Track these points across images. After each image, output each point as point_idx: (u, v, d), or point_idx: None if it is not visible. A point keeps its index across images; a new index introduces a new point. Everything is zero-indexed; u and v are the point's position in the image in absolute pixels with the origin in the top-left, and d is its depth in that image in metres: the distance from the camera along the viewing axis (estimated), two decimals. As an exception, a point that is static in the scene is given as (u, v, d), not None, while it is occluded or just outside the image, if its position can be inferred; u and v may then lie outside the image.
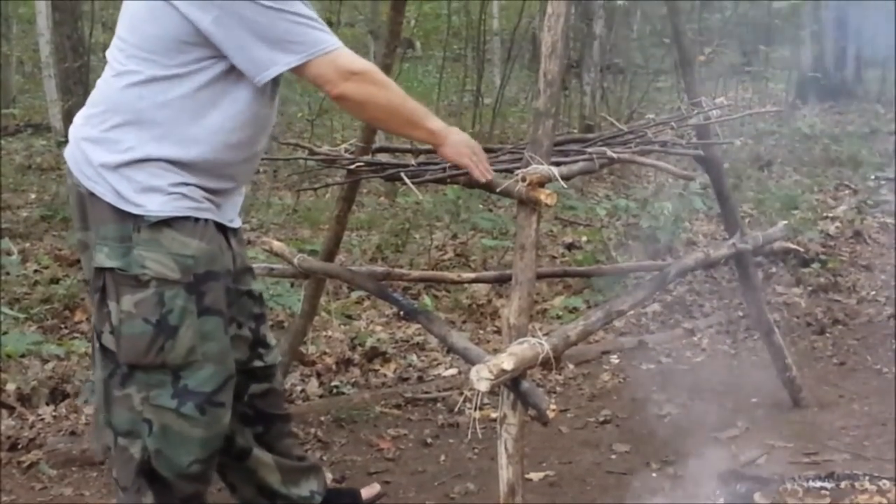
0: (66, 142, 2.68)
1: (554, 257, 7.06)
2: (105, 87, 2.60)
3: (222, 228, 2.69)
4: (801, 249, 6.20)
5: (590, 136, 3.90)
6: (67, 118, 10.36)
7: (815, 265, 6.58)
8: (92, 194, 2.55)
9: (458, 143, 2.80)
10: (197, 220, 2.57)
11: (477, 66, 11.75)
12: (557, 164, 2.94)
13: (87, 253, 2.63)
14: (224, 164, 2.62)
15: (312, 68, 2.51)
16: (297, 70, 2.51)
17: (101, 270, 2.56)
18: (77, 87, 9.94)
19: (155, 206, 2.51)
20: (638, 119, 8.74)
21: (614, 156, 3.20)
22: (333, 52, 2.52)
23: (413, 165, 3.44)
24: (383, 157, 3.79)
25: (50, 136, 11.31)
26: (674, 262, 3.90)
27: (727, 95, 8.44)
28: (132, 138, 2.51)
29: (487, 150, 3.52)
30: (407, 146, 3.94)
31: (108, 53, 2.62)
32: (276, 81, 2.64)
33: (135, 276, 2.51)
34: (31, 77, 16.62)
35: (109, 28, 14.26)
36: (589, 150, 3.28)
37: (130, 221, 2.51)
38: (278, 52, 2.46)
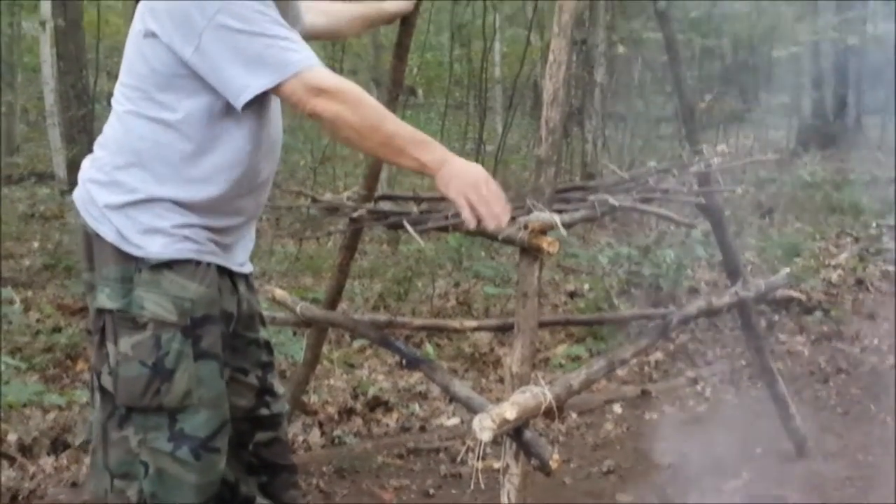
0: (70, 190, 2.69)
1: (556, 305, 7.06)
2: (109, 131, 2.62)
3: (228, 272, 2.69)
4: (804, 297, 6.20)
5: (591, 183, 3.91)
6: (71, 167, 10.45)
7: (818, 313, 6.57)
8: (97, 235, 2.56)
9: (453, 177, 2.54)
10: (198, 263, 2.57)
11: (479, 113, 11.82)
12: (559, 211, 2.95)
13: (93, 294, 2.64)
14: (229, 200, 2.62)
15: (285, 89, 2.46)
16: (273, 92, 2.49)
17: (101, 311, 2.56)
18: (81, 135, 10.02)
19: (156, 247, 2.51)
20: (639, 166, 8.76)
21: (616, 203, 3.21)
22: (303, 71, 2.46)
23: (415, 213, 3.44)
24: (386, 205, 3.79)
25: (53, 185, 11.37)
26: (676, 311, 3.88)
27: (728, 143, 8.47)
28: (136, 179, 2.53)
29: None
30: (409, 194, 3.95)
31: (112, 99, 2.65)
32: (272, 109, 2.66)
33: (133, 317, 2.51)
34: (36, 126, 16.73)
35: (114, 77, 14.35)
36: (591, 197, 3.28)
37: (132, 263, 2.52)
38: (251, 75, 2.44)
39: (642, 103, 14.31)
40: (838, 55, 16.26)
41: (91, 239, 2.59)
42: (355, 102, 2.49)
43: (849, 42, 12.94)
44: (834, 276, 7.63)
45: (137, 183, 2.52)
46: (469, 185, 2.52)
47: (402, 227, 3.40)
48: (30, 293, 7.10)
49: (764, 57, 13.80)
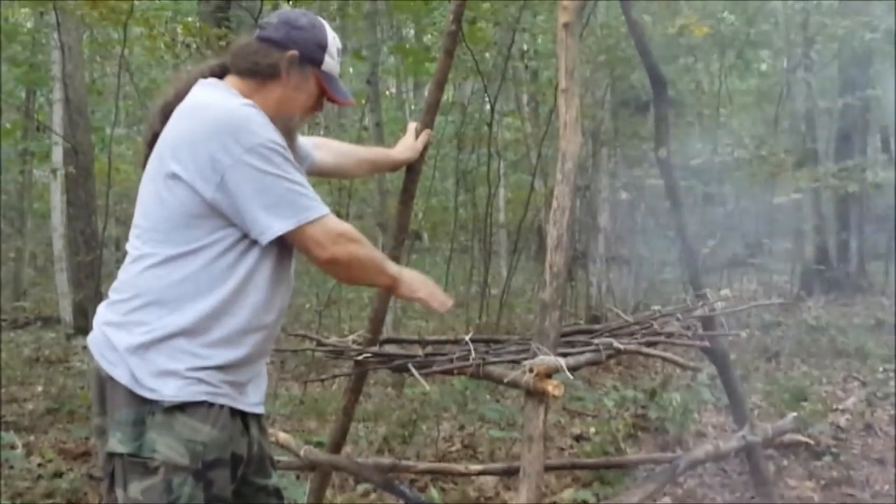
0: (76, 334, 2.72)
1: (562, 449, 6.99)
2: (125, 275, 2.67)
3: (241, 414, 2.69)
4: (812, 442, 6.12)
5: (596, 326, 3.93)
6: (78, 311, 10.49)
7: (827, 458, 6.49)
8: (111, 378, 2.57)
9: (411, 281, 2.88)
10: (211, 405, 2.58)
11: (483, 257, 11.91)
12: (564, 354, 2.96)
13: (104, 438, 2.63)
14: (242, 331, 2.65)
15: (305, 232, 2.60)
16: (289, 234, 2.59)
17: (111, 455, 2.56)
18: (88, 280, 10.07)
19: (170, 390, 2.53)
20: (644, 310, 8.79)
21: (621, 347, 3.22)
22: (324, 217, 2.62)
23: (420, 356, 3.46)
24: (391, 348, 3.81)
25: (59, 329, 11.40)
26: (683, 455, 3.86)
27: (731, 287, 8.51)
28: (153, 317, 2.57)
29: (495, 342, 3.55)
30: (414, 337, 3.97)
31: (127, 244, 2.70)
32: (287, 246, 2.71)
33: (144, 461, 2.51)
34: (43, 271, 16.87)
35: (122, 222, 14.59)
36: (595, 340, 3.30)
37: (146, 406, 2.53)
38: (274, 216, 2.55)
39: (646, 248, 14.42)
40: (839, 202, 16.45)
41: (104, 383, 2.61)
42: (359, 239, 2.70)
43: (849, 189, 13.10)
44: (842, 421, 7.56)
45: (154, 320, 2.56)
46: (425, 284, 2.91)
47: (407, 370, 3.42)
48: (32, 437, 7.06)
49: (765, 203, 13.94)
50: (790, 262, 15.72)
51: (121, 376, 2.55)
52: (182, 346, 2.55)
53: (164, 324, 2.55)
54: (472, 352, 3.31)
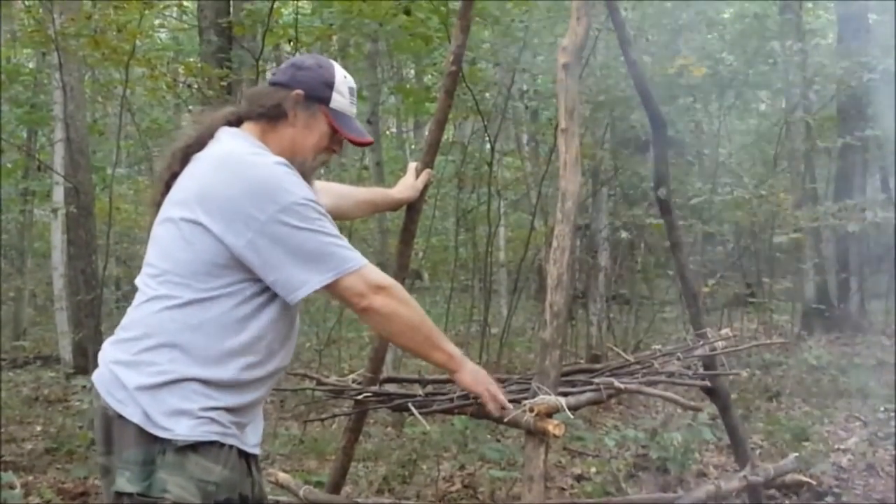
0: (75, 373, 2.71)
1: (563, 489, 6.95)
2: (136, 314, 2.67)
3: (245, 455, 2.70)
4: (814, 482, 6.10)
5: (597, 366, 3.92)
6: (78, 350, 10.47)
7: (829, 498, 6.46)
8: (120, 417, 2.57)
9: (477, 372, 2.90)
10: (222, 445, 2.59)
11: (484, 296, 11.89)
12: (565, 394, 2.96)
13: (109, 478, 2.63)
14: (252, 378, 2.66)
15: (343, 283, 2.62)
16: (328, 286, 2.61)
17: (119, 495, 2.55)
18: (88, 319, 10.07)
19: (183, 430, 2.53)
20: (644, 349, 8.77)
21: (621, 386, 3.22)
22: (363, 268, 2.64)
23: (420, 396, 3.45)
24: (391, 388, 3.80)
25: (59, 368, 11.37)
26: (684, 495, 3.84)
27: (732, 326, 8.49)
28: (165, 360, 2.57)
29: (495, 381, 3.54)
30: (414, 377, 3.96)
31: (137, 282, 2.72)
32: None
33: (154, 502, 2.50)
34: (43, 310, 16.86)
35: (123, 262, 14.58)
36: (596, 380, 3.29)
37: (157, 445, 2.53)
38: (310, 271, 2.57)
39: (646, 287, 14.41)
40: (839, 241, 16.45)
41: (111, 422, 2.60)
42: (407, 301, 2.71)
43: (849, 229, 13.12)
44: (844, 461, 7.52)
45: (166, 363, 2.56)
46: (487, 380, 2.93)
47: (407, 409, 3.41)
48: (31, 477, 7.02)
49: (765, 242, 13.94)
50: (790, 301, 15.70)
51: (132, 415, 2.55)
52: (194, 388, 2.56)
53: (176, 368, 2.56)
54: (473, 391, 3.30)
